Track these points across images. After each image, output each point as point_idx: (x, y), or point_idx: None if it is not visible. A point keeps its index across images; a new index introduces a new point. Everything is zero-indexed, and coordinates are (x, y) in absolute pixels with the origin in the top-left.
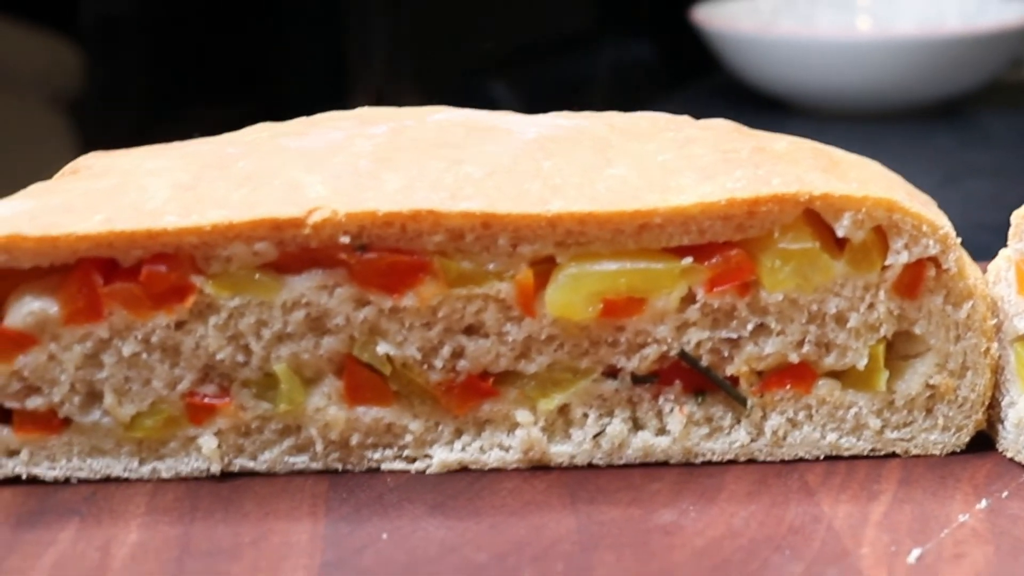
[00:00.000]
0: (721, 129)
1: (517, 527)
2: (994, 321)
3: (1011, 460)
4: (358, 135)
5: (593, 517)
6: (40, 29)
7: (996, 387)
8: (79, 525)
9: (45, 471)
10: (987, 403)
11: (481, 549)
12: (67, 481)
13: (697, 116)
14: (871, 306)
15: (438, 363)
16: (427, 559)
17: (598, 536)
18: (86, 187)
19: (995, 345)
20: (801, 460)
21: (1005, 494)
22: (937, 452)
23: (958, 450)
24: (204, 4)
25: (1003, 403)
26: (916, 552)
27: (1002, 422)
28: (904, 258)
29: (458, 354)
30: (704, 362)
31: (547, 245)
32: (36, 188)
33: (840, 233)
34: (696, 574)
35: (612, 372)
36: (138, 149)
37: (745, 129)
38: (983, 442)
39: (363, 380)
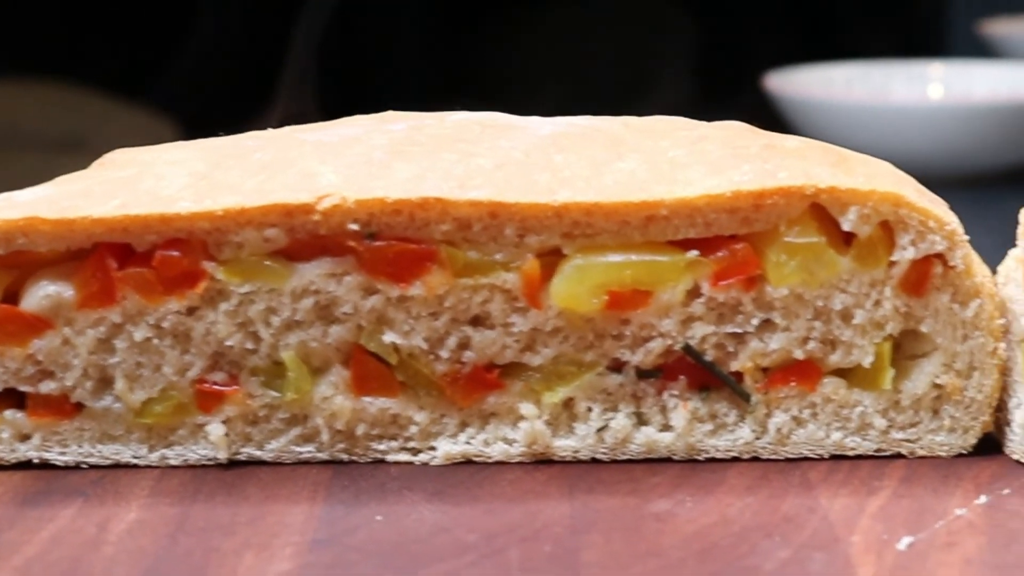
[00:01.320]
0: (735, 128)
1: (511, 512)
2: (1002, 321)
3: (1017, 462)
4: (376, 131)
5: (589, 505)
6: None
7: (1004, 389)
8: (82, 504)
9: (56, 456)
10: (994, 405)
11: (472, 531)
12: (78, 466)
13: None
14: (877, 303)
15: (444, 354)
16: (417, 539)
17: (590, 522)
18: (106, 176)
19: (1002, 345)
20: (805, 458)
21: (1007, 491)
22: (943, 453)
23: (965, 452)
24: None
25: (1010, 405)
26: (907, 540)
27: (1009, 424)
28: (910, 254)
29: (464, 345)
30: (709, 357)
31: (554, 236)
32: (62, 178)
33: (846, 227)
34: (682, 556)
35: (617, 366)
36: (163, 145)
37: (760, 130)
38: (990, 445)
39: (370, 370)
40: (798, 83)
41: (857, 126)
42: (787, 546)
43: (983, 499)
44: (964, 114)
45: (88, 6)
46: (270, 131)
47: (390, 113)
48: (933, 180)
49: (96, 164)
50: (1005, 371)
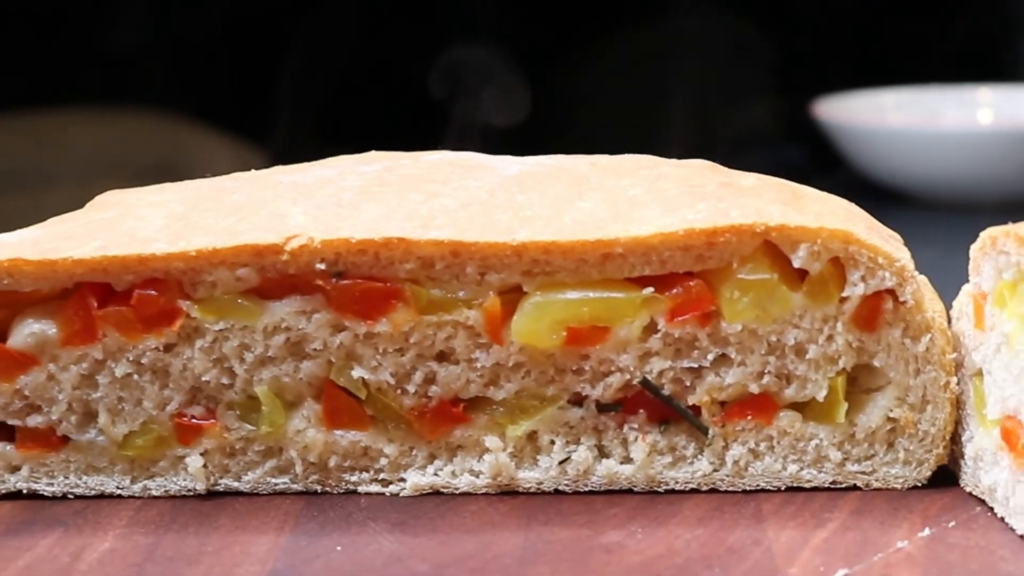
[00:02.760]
0: (695, 167)
1: (466, 543)
2: (954, 355)
3: (970, 495)
4: (350, 172)
5: (543, 536)
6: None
7: (958, 422)
8: (61, 534)
9: (44, 487)
10: (948, 438)
11: (425, 561)
12: (64, 496)
13: None
14: (830, 338)
15: (411, 388)
16: (371, 568)
17: (540, 553)
18: (90, 218)
19: (954, 380)
20: (762, 490)
21: (952, 524)
22: (898, 486)
23: (919, 484)
24: None
25: (963, 438)
26: (842, 572)
27: (963, 457)
28: (861, 290)
29: (430, 380)
30: (666, 391)
31: (514, 274)
32: (52, 220)
33: (796, 264)
34: None
35: (578, 400)
36: (151, 187)
37: (721, 168)
38: (947, 477)
39: (341, 404)
40: (847, 109)
41: (907, 152)
42: None
43: (927, 532)
44: (1014, 139)
45: (176, 34)
46: (251, 172)
47: (372, 153)
48: (983, 205)
49: (88, 205)
50: (959, 405)
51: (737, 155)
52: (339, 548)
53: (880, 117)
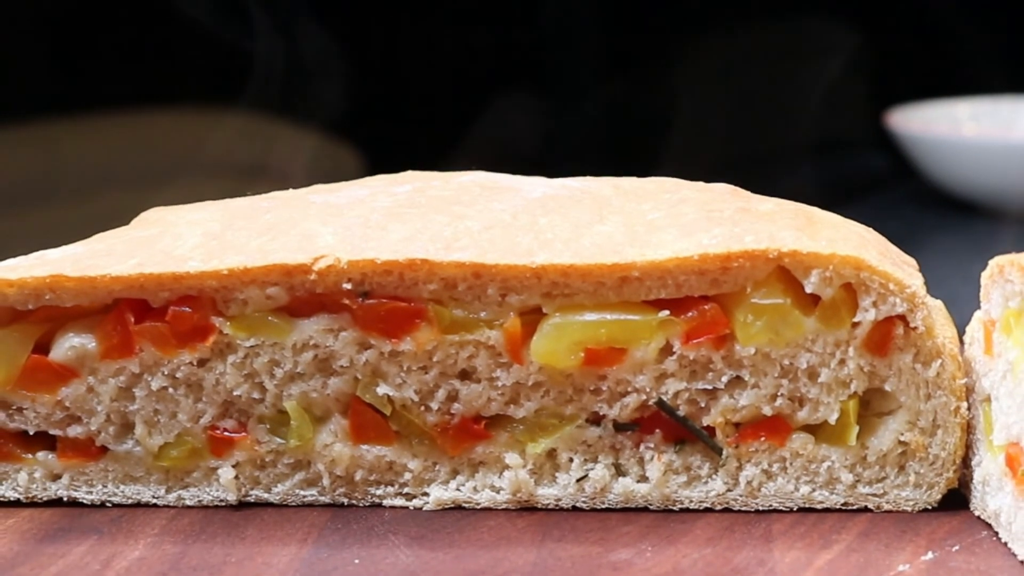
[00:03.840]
0: (717, 191)
1: (480, 558)
2: (965, 381)
3: (979, 519)
4: (382, 192)
5: (554, 553)
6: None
7: (968, 447)
8: (95, 542)
9: (83, 495)
10: (959, 462)
11: (439, 575)
12: (103, 505)
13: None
14: (842, 362)
15: (434, 405)
16: None
17: (550, 569)
18: (131, 235)
19: (965, 405)
20: (775, 510)
21: (956, 548)
22: (909, 508)
23: (930, 507)
24: None
25: (972, 462)
26: None
27: (972, 481)
28: (872, 316)
29: (452, 397)
30: (682, 412)
31: (534, 296)
32: (97, 236)
33: (808, 289)
34: None
35: (596, 419)
36: (192, 204)
37: (742, 192)
38: (958, 501)
39: (367, 420)
40: (922, 119)
41: (983, 163)
42: None
43: (930, 555)
44: None
45: (274, 35)
46: (287, 192)
47: (407, 174)
48: None
49: (133, 221)
50: (969, 429)
51: (819, 161)
52: (357, 561)
53: (954, 128)
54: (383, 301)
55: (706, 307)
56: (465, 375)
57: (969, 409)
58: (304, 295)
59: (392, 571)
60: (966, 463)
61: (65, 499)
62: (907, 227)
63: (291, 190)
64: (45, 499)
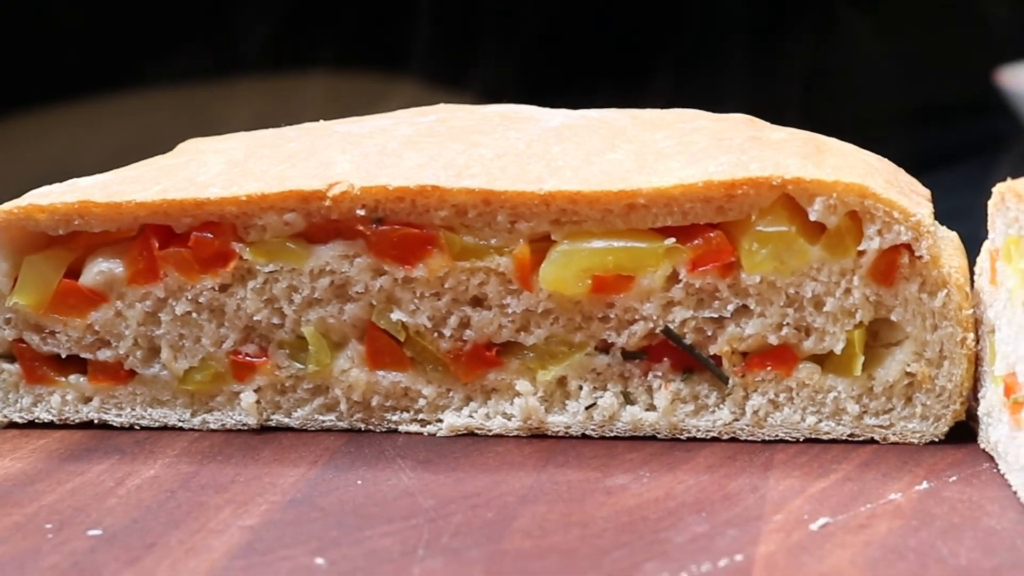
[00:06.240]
0: (732, 121)
1: (478, 481)
2: (972, 311)
3: (984, 452)
4: (405, 122)
5: (554, 477)
6: None
7: (977, 379)
8: (116, 461)
9: (113, 417)
10: (965, 394)
11: (433, 496)
12: (131, 428)
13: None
14: (847, 291)
15: (447, 332)
16: (379, 502)
17: (544, 492)
18: (160, 164)
19: (971, 336)
20: (781, 441)
21: (953, 479)
22: (915, 440)
23: (937, 439)
24: None
25: (979, 395)
26: (822, 521)
27: (979, 413)
28: (877, 244)
29: (464, 324)
30: (689, 340)
31: (543, 223)
32: (131, 165)
33: (813, 217)
34: (605, 528)
35: (604, 347)
36: (224, 135)
37: (758, 122)
38: (966, 434)
39: (382, 345)
40: None
41: None
42: (709, 522)
43: (924, 485)
44: None
45: None
46: (313, 123)
47: (438, 106)
48: None
49: (173, 151)
50: (979, 361)
51: (941, 124)
52: (360, 482)
53: None
54: (396, 228)
55: (711, 235)
56: (476, 302)
57: (978, 341)
58: (321, 221)
59: (391, 492)
60: (975, 396)
61: (96, 421)
62: None
63: (322, 121)
64: (77, 421)
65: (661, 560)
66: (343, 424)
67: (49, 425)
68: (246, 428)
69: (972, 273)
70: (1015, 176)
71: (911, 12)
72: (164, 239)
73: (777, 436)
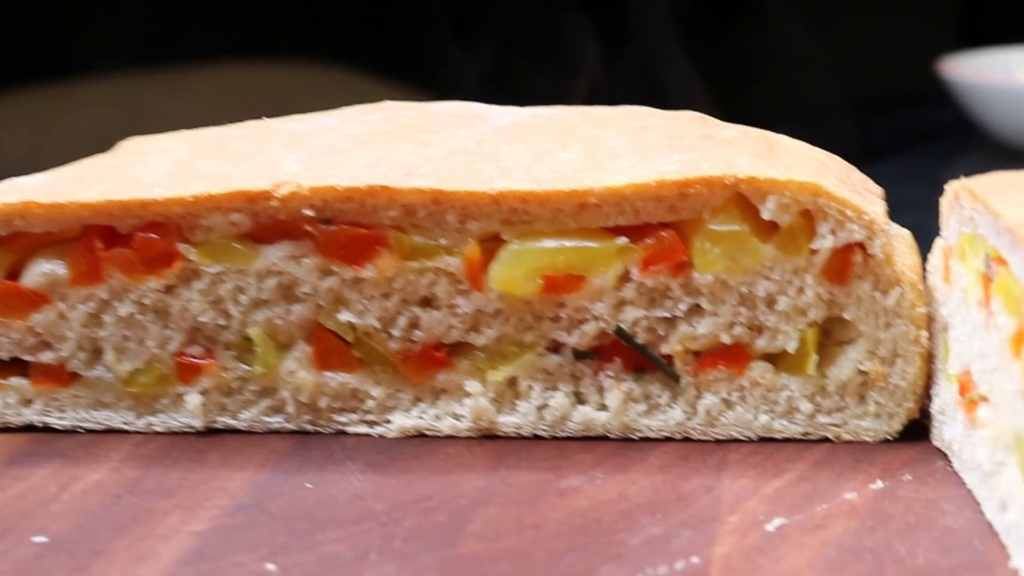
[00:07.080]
0: (683, 119)
1: (429, 484)
2: (926, 310)
3: (938, 450)
4: (352, 121)
5: (506, 479)
6: None
7: (930, 377)
8: (59, 465)
9: (55, 420)
10: (919, 392)
11: (384, 500)
12: (74, 431)
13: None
14: (800, 290)
15: (396, 332)
16: (330, 506)
17: (496, 495)
18: (103, 163)
19: (925, 334)
20: (735, 440)
21: (908, 478)
22: (869, 439)
23: (890, 438)
24: None
25: (932, 392)
26: (778, 521)
27: (932, 411)
28: (830, 243)
29: (414, 324)
30: (640, 340)
31: (493, 222)
32: (73, 164)
33: (765, 216)
34: (560, 530)
35: (555, 347)
36: (166, 133)
37: (709, 120)
38: (920, 432)
39: (330, 346)
40: (974, 67)
41: None
42: (664, 524)
43: (879, 484)
44: None
45: None
46: (259, 121)
47: (383, 103)
48: None
49: (113, 149)
50: (931, 359)
51: (885, 113)
52: (309, 485)
53: (1009, 76)
54: (344, 228)
55: (663, 234)
56: (426, 302)
57: (931, 339)
58: (268, 222)
59: (341, 495)
60: (928, 393)
61: (39, 424)
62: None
63: (265, 119)
64: (19, 424)
65: (617, 563)
66: (291, 426)
67: None
68: (192, 431)
69: (924, 271)
70: (963, 170)
71: (849, 3)
72: (108, 240)
73: (730, 435)
